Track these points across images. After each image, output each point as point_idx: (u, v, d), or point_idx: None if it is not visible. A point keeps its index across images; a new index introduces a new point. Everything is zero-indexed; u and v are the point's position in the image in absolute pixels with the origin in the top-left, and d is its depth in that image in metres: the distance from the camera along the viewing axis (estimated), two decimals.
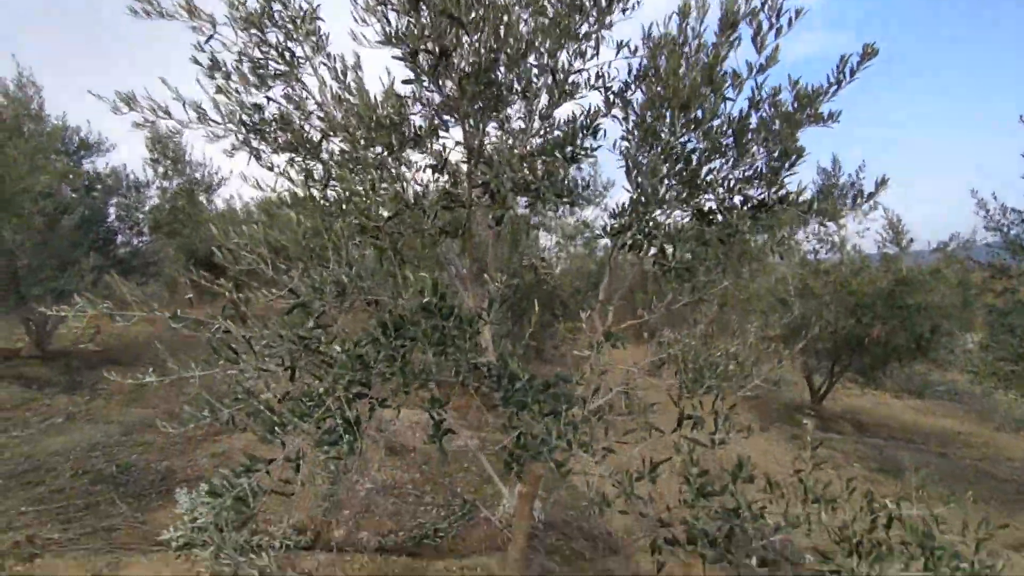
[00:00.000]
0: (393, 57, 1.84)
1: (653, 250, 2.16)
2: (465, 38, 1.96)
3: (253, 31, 2.16)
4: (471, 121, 1.98)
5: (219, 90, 2.22)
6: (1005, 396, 6.65)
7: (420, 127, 1.89)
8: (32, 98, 8.01)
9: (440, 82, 1.92)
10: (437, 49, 1.88)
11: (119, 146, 10.10)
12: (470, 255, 2.28)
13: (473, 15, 1.89)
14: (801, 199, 2.06)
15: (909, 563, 1.52)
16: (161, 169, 9.51)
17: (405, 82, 1.89)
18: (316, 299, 1.57)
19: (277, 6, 2.22)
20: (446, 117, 2.03)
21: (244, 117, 2.25)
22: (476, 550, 4.46)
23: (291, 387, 1.68)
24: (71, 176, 8.01)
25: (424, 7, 1.85)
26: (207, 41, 2.24)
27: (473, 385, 2.06)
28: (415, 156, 2.09)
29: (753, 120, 2.04)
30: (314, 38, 2.25)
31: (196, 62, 2.22)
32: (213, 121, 2.20)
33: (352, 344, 1.66)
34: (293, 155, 2.24)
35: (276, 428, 1.56)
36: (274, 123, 2.34)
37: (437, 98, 1.99)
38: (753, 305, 10.16)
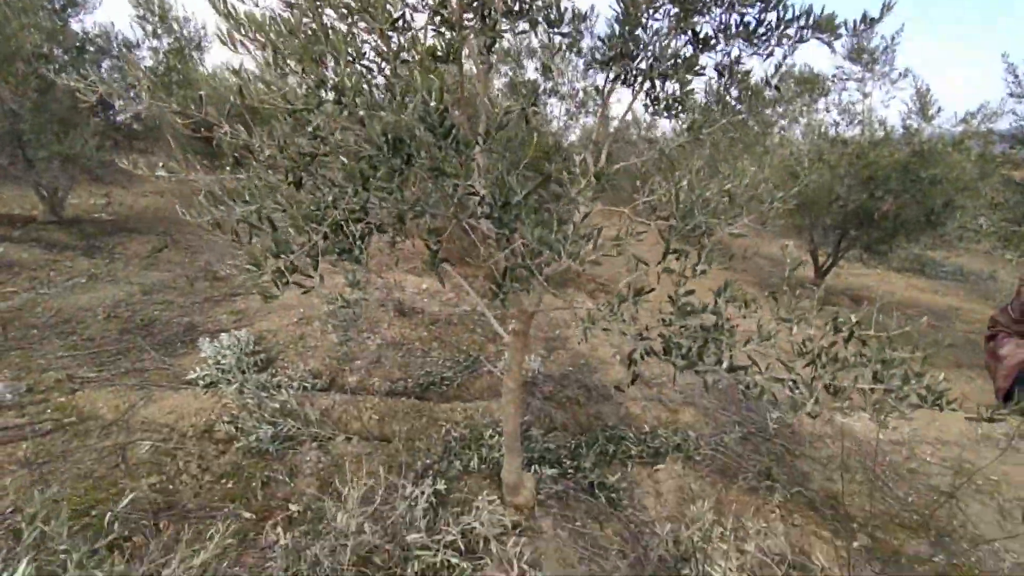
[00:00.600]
0: None
1: (643, 82, 2.11)
2: None
3: None
4: None
5: None
6: (1006, 257, 6.69)
7: None
8: None
9: None
10: None
11: (104, 3, 9.51)
12: (462, 89, 2.23)
13: None
14: (799, 16, 1.96)
15: (864, 373, 1.65)
16: (149, 27, 9.05)
17: None
18: (314, 107, 1.58)
19: None
20: None
21: None
22: (479, 396, 4.81)
23: (299, 197, 1.73)
24: (60, 36, 7.64)
25: None
26: None
27: (466, 220, 2.12)
28: None
29: None
30: None
31: None
32: None
33: (353, 160, 1.69)
34: None
35: (292, 229, 1.64)
36: None
37: None
38: (766, 177, 9.98)
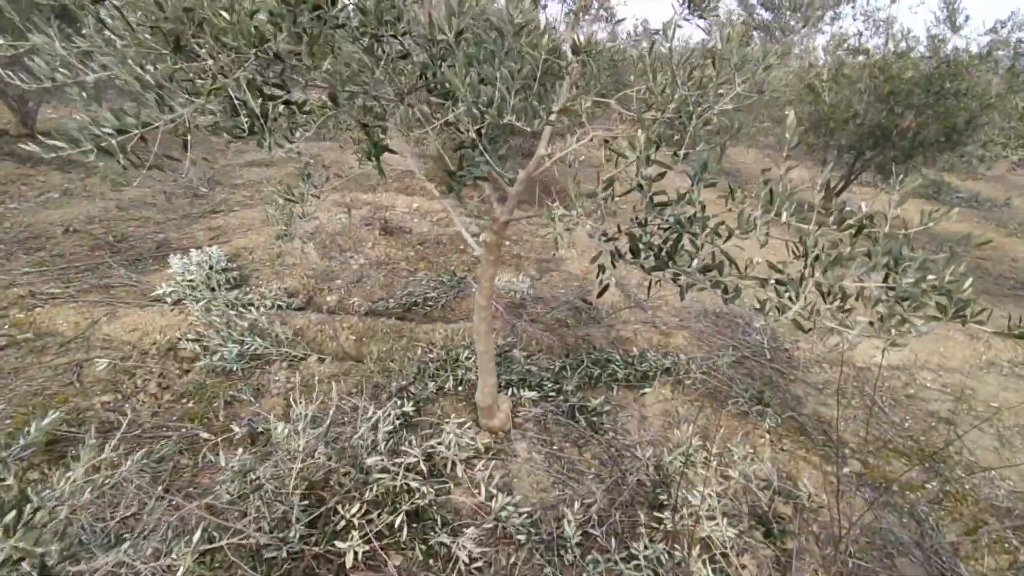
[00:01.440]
0: None
1: None
2: None
3: None
4: None
5: None
6: None
7: None
8: None
9: None
10: None
11: None
12: None
13: None
14: None
15: (869, 273, 1.38)
16: None
17: None
18: None
19: None
20: None
21: None
22: (464, 317, 4.61)
23: (179, 65, 1.41)
24: None
25: None
26: None
27: (419, 107, 1.80)
28: None
29: None
30: None
31: None
32: None
33: (247, 13, 1.35)
34: None
35: (162, 95, 1.34)
36: None
37: None
38: (779, 93, 9.36)
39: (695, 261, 1.36)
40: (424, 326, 4.27)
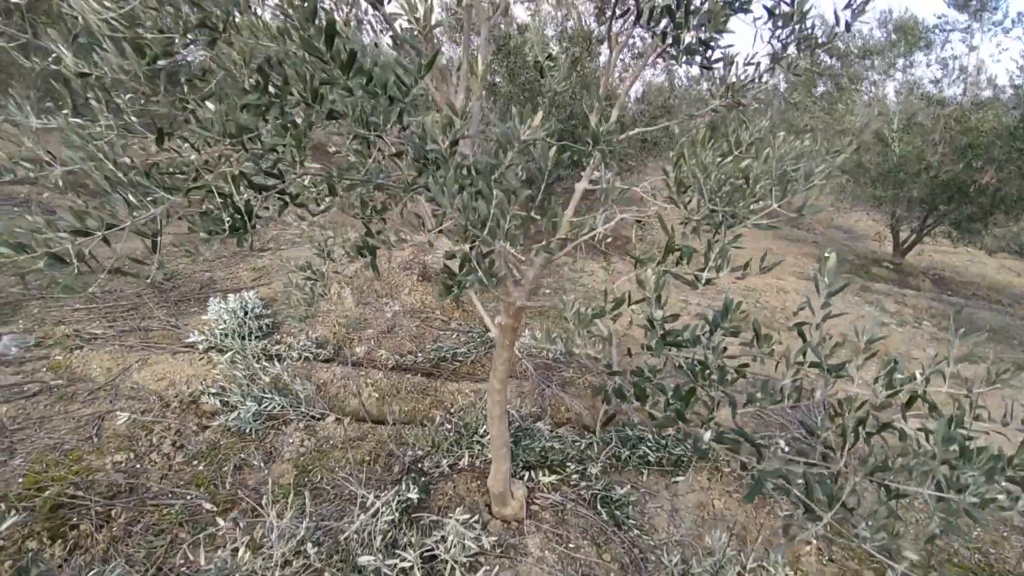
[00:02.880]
0: None
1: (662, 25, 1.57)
2: None
3: None
4: None
5: None
6: None
7: None
8: None
9: None
10: None
11: None
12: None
13: None
14: None
15: (919, 479, 1.15)
16: None
17: None
18: (176, 33, 1.17)
19: None
20: None
21: None
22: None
23: (159, 156, 1.35)
24: None
25: None
26: None
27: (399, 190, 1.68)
28: None
29: None
30: None
31: None
32: None
33: (231, 104, 1.27)
34: None
35: (139, 196, 1.26)
36: None
37: None
38: (846, 139, 8.91)
39: (708, 433, 1.15)
40: (450, 384, 4.14)
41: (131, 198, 1.20)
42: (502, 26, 7.40)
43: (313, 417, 3.46)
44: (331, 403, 3.70)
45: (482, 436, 3.23)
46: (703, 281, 1.36)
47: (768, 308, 7.18)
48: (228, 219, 1.33)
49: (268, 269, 5.96)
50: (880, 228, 10.23)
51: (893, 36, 9.31)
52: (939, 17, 8.26)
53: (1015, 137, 7.34)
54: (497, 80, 7.68)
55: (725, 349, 1.24)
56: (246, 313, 4.37)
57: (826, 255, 1.19)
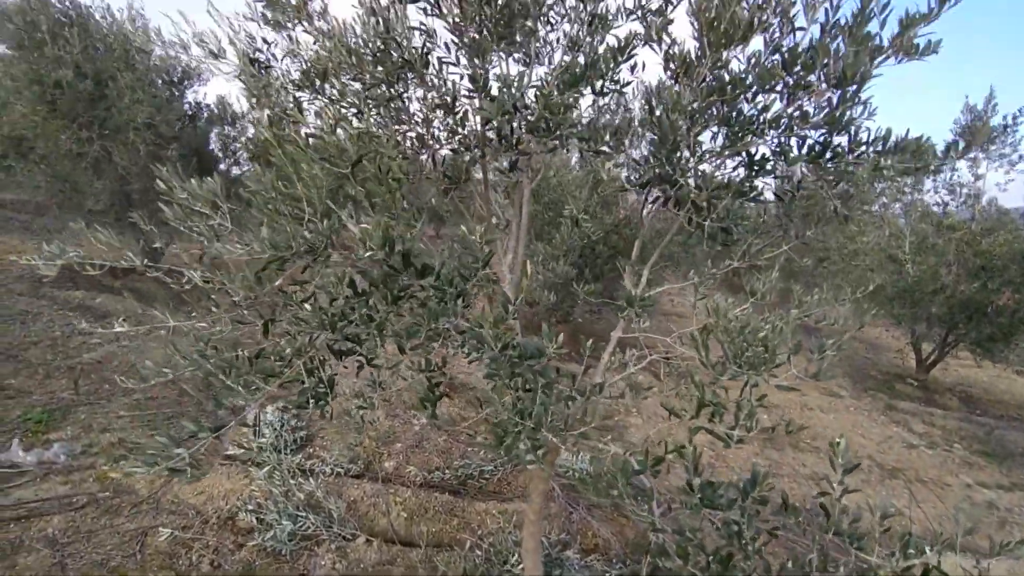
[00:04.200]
0: None
1: (684, 207, 1.85)
2: None
3: None
4: (478, 50, 1.72)
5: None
6: None
7: (414, 54, 1.66)
8: (139, 30, 8.38)
9: (442, 5, 1.68)
10: None
11: (216, 76, 10.46)
12: (484, 204, 2.08)
13: None
14: (876, 139, 1.64)
15: None
16: (255, 100, 9.80)
17: (399, 1, 1.66)
18: (281, 254, 1.46)
19: None
20: (454, 47, 1.79)
21: (252, 54, 2.15)
22: (519, 495, 4.47)
23: (265, 343, 1.61)
24: (169, 108, 8.38)
25: None
26: None
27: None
28: (423, 96, 1.89)
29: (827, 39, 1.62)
30: None
31: None
32: (223, 59, 2.12)
33: (328, 302, 1.55)
34: (301, 93, 2.12)
35: (240, 389, 1.50)
36: (284, 58, 2.24)
37: (440, 24, 1.75)
38: (859, 261, 9.20)
39: None
40: (478, 504, 4.17)
41: (240, 388, 1.44)
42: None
43: (344, 538, 3.52)
44: (361, 521, 3.76)
45: (513, 566, 3.25)
46: (735, 440, 1.53)
47: (793, 426, 7.13)
48: (312, 391, 1.57)
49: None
50: (902, 345, 10.25)
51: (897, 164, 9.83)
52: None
53: None
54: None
55: (758, 512, 1.38)
56: (282, 425, 4.53)
57: (838, 439, 1.36)
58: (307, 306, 1.52)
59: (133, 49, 7.78)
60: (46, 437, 4.33)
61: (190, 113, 9.66)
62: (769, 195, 2.00)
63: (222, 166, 10.62)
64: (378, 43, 1.63)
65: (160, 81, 8.37)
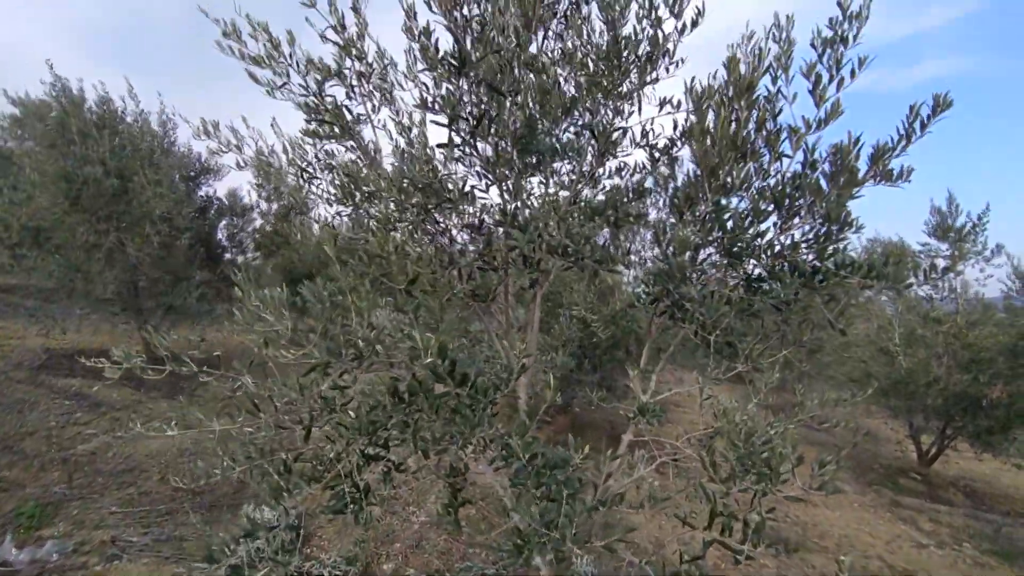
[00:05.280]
0: (432, 121, 1.86)
1: (691, 323, 2.01)
2: (506, 102, 1.94)
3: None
4: (508, 184, 1.94)
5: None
6: None
7: (454, 189, 1.88)
8: (168, 133, 8.90)
9: (478, 145, 1.91)
10: (475, 115, 1.87)
11: (231, 170, 10.99)
12: (507, 315, 2.23)
13: (513, 81, 1.87)
14: (860, 266, 1.83)
15: None
16: (265, 193, 10.28)
17: (439, 146, 1.89)
18: (334, 360, 1.59)
19: (347, 62, 2.32)
20: (485, 179, 2.02)
21: (303, 163, 2.38)
22: None
23: (304, 448, 1.70)
24: (186, 202, 8.76)
25: (464, 76, 1.84)
26: (280, 88, 2.41)
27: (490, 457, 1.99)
28: (455, 219, 2.09)
29: (809, 177, 1.85)
30: (377, 95, 2.33)
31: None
32: (274, 165, 2.37)
33: (367, 408, 1.66)
34: (341, 207, 2.33)
35: (284, 492, 1.58)
36: (329, 172, 2.47)
37: (476, 161, 1.98)
38: (850, 353, 9.36)
39: None
40: None
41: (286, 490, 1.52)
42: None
43: None
44: None
45: None
46: (744, 556, 1.59)
47: (799, 524, 6.99)
48: (349, 497, 1.65)
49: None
50: (900, 437, 10.22)
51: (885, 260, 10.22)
52: (923, 245, 9.17)
53: (1016, 354, 7.74)
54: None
55: None
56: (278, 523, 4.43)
57: (842, 558, 1.44)
58: (350, 412, 1.63)
59: (158, 148, 8.24)
60: (38, 533, 4.22)
61: (201, 206, 10.07)
62: (767, 307, 2.17)
63: (227, 255, 10.91)
64: (423, 175, 1.85)
65: (177, 176, 8.80)
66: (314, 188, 2.51)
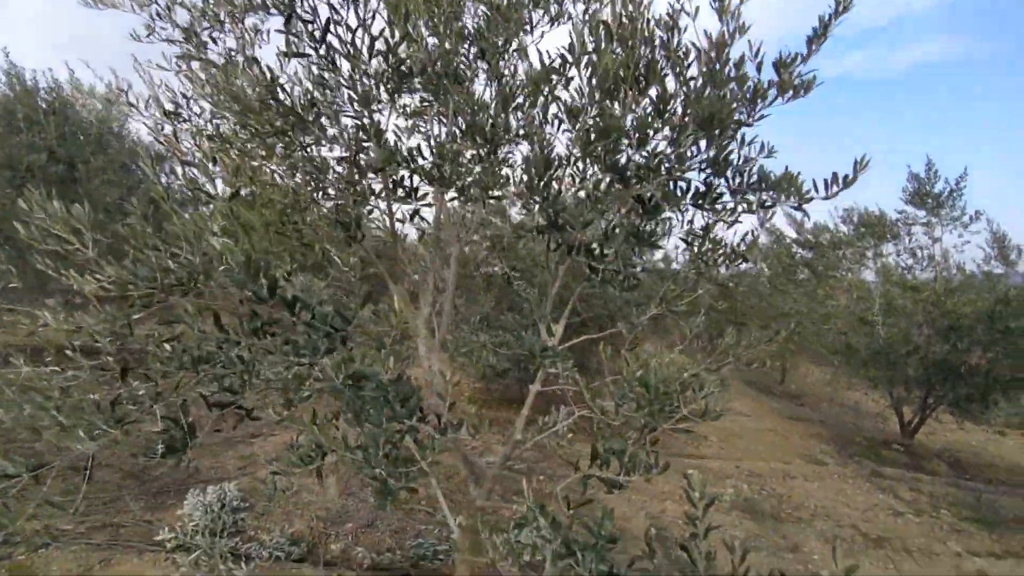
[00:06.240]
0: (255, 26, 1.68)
1: (578, 254, 1.83)
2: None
3: None
4: (366, 100, 1.75)
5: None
6: None
7: (296, 101, 1.69)
8: (116, 116, 8.65)
9: (333, 58, 1.72)
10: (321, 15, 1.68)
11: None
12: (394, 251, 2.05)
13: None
14: (753, 180, 1.65)
15: None
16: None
17: (280, 54, 1.70)
18: (146, 286, 1.40)
19: None
20: (351, 100, 1.83)
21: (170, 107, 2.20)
22: None
23: (122, 389, 1.51)
24: (141, 188, 8.50)
25: None
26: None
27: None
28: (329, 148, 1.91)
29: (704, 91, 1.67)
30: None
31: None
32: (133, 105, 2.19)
33: (194, 344, 1.47)
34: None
35: (83, 432, 1.40)
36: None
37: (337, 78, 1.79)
38: (830, 324, 9.21)
39: None
40: None
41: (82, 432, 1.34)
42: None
43: None
44: None
45: None
46: (622, 484, 1.42)
47: (775, 496, 6.85)
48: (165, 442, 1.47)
49: (254, 457, 5.90)
50: (882, 408, 10.10)
51: (862, 230, 10.06)
52: (899, 212, 9.00)
53: (994, 320, 7.59)
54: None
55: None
56: (223, 507, 4.26)
57: (690, 472, 1.26)
58: (167, 346, 1.44)
59: (108, 133, 8.01)
60: None
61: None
62: (671, 241, 1.99)
63: None
64: (261, 92, 1.65)
65: (131, 164, 8.55)
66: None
